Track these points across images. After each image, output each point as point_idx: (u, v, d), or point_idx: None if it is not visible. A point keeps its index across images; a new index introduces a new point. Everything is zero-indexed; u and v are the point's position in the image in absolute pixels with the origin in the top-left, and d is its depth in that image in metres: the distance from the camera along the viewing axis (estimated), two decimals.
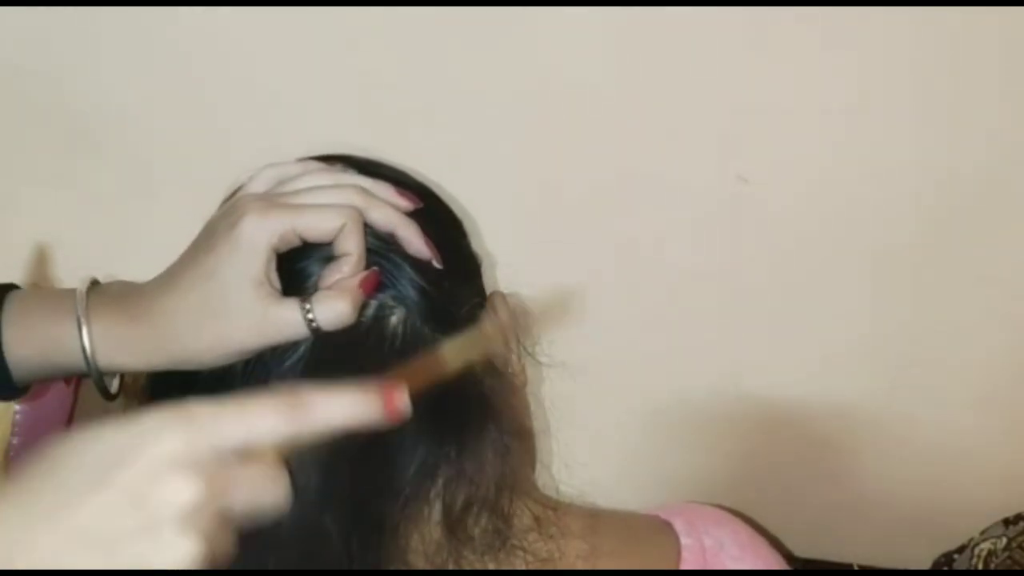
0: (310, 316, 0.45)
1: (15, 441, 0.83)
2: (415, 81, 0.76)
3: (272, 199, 0.47)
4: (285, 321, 0.45)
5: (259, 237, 0.44)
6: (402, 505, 0.48)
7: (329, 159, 0.54)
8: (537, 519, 0.51)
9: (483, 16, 0.72)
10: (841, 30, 0.71)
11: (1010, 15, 0.68)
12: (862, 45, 0.72)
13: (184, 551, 0.34)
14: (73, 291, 0.48)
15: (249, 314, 0.44)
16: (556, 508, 0.54)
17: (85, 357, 0.46)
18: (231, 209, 0.46)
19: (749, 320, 0.85)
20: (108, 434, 0.35)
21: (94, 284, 0.50)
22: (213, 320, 0.45)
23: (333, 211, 0.45)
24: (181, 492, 0.34)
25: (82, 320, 0.46)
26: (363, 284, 0.46)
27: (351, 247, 0.46)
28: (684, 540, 0.55)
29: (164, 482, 0.34)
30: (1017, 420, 0.87)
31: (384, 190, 0.49)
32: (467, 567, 0.49)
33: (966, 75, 0.72)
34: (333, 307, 0.45)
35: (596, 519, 0.56)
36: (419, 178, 0.58)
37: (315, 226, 0.45)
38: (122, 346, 0.47)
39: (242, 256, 0.44)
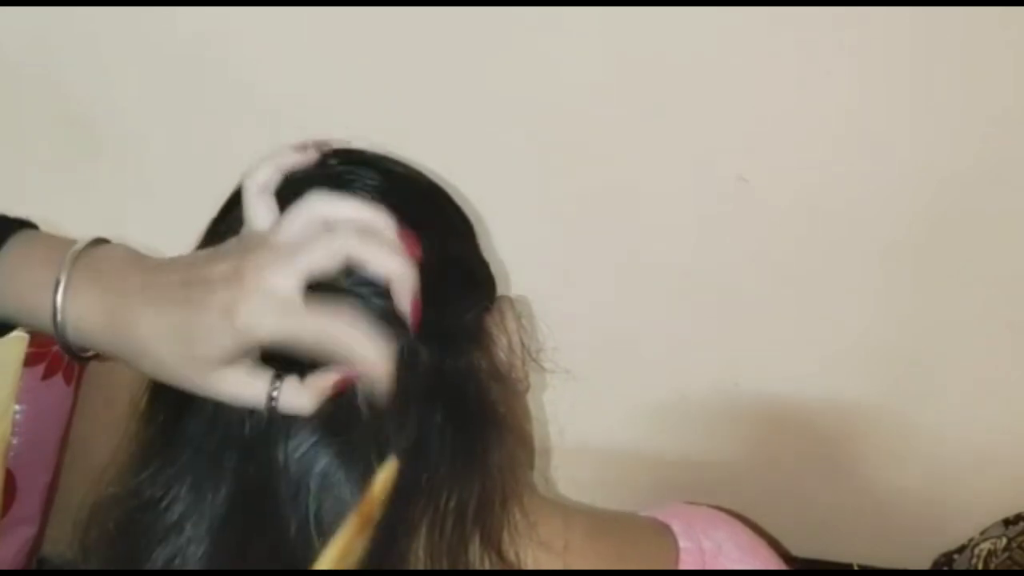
0: (273, 395, 0.44)
1: (15, 441, 0.83)
2: (422, 84, 0.76)
3: (273, 271, 0.43)
4: (249, 391, 0.44)
5: (257, 332, 0.42)
6: (410, 508, 0.48)
7: (343, 153, 0.53)
8: (533, 522, 0.51)
9: (488, 17, 0.72)
10: (841, 31, 0.71)
11: (1010, 15, 0.68)
12: (863, 45, 0.71)
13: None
14: (72, 250, 0.46)
15: (218, 373, 0.43)
16: (552, 511, 0.54)
17: (55, 326, 0.45)
18: (235, 275, 0.42)
19: (749, 320, 0.85)
20: None
21: (96, 244, 0.48)
22: (182, 361, 0.44)
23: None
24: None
25: (59, 292, 0.45)
26: (336, 386, 0.45)
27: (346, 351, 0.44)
28: (683, 543, 0.55)
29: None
30: (1017, 420, 0.87)
31: (385, 228, 0.45)
32: (464, 567, 0.49)
33: (966, 75, 0.72)
34: (298, 400, 0.44)
35: (593, 522, 0.55)
36: (431, 176, 0.57)
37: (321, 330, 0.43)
38: (95, 333, 0.46)
39: (233, 336, 0.42)
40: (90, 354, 0.48)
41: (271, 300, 0.41)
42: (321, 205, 0.44)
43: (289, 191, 0.50)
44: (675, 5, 0.70)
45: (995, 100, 0.72)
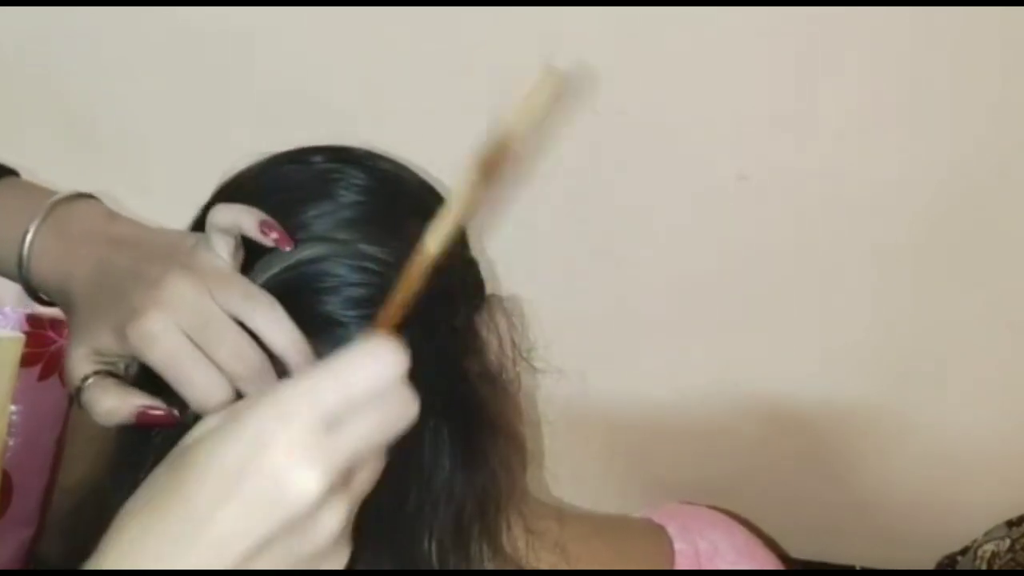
0: (83, 385, 0.46)
1: (12, 441, 0.83)
2: (416, 81, 0.76)
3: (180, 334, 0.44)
4: (76, 369, 0.46)
5: (132, 346, 0.44)
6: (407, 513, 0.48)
7: (329, 151, 0.53)
8: (528, 525, 0.51)
9: (484, 15, 0.72)
10: (841, 31, 0.71)
11: (1010, 15, 0.68)
12: (862, 45, 0.71)
13: (329, 531, 0.34)
14: (51, 200, 0.50)
15: (83, 349, 0.47)
16: (547, 513, 0.53)
17: (19, 266, 0.49)
18: (154, 288, 0.44)
19: (749, 320, 0.85)
20: (220, 448, 0.34)
21: (76, 198, 0.51)
22: (85, 323, 0.47)
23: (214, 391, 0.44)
24: (310, 482, 0.33)
25: (28, 235, 0.48)
26: (137, 414, 0.45)
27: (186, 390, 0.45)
28: (678, 544, 0.55)
29: (291, 481, 0.33)
30: (1020, 420, 0.86)
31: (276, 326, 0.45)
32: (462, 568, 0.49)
33: (966, 74, 0.72)
34: (97, 399, 0.46)
35: (587, 523, 0.55)
36: (420, 172, 0.57)
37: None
38: (45, 277, 0.49)
39: (116, 341, 0.45)
40: (46, 299, 0.51)
41: (152, 327, 0.43)
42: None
43: (277, 190, 0.50)
44: (674, 5, 0.70)
45: (994, 100, 0.72)
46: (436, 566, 0.48)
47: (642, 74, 0.74)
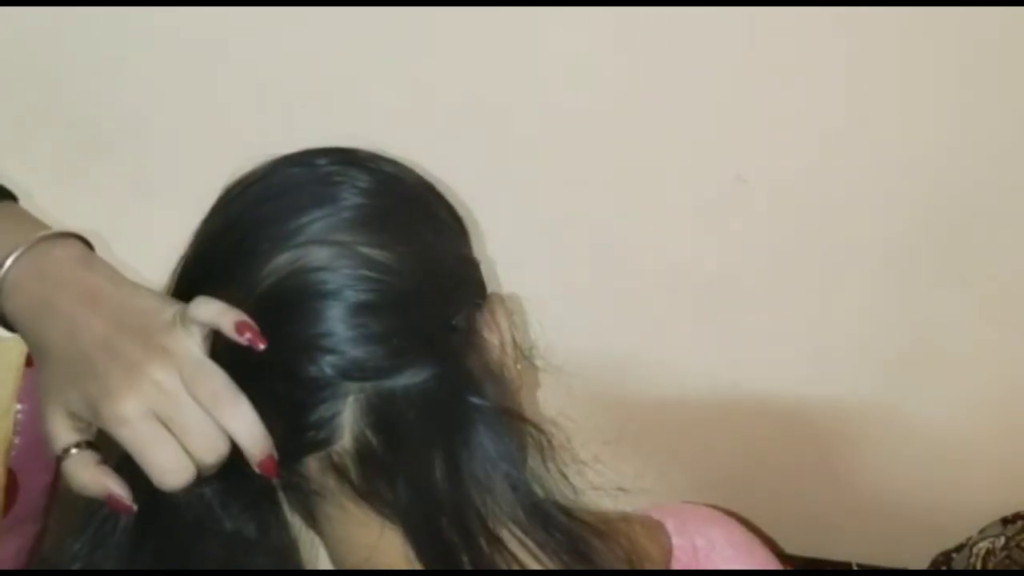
0: (68, 453, 0.48)
1: (17, 440, 0.84)
2: (419, 82, 0.76)
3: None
4: (61, 439, 0.48)
5: (101, 424, 0.47)
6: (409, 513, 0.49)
7: (334, 153, 0.53)
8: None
9: (486, 16, 0.72)
10: (839, 31, 0.71)
11: (1006, 15, 0.68)
12: (860, 45, 0.72)
13: None
14: (37, 235, 0.50)
15: (60, 412, 0.49)
16: (544, 507, 0.54)
17: None
18: (130, 371, 0.47)
19: (748, 320, 0.85)
20: None
21: (60, 237, 0.51)
22: (51, 388, 0.49)
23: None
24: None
25: (4, 267, 0.49)
26: (107, 496, 0.48)
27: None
28: (676, 540, 0.55)
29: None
30: (1015, 419, 0.87)
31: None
32: (463, 567, 0.49)
33: (963, 75, 0.72)
34: (77, 472, 0.48)
35: (586, 519, 0.55)
36: (421, 172, 0.57)
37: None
38: (16, 318, 0.50)
39: (89, 414, 0.47)
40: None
41: (126, 411, 0.46)
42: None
43: (282, 193, 0.50)
44: (673, 5, 0.71)
45: (989, 101, 0.72)
46: (437, 564, 0.48)
47: (642, 74, 0.74)
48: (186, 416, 0.46)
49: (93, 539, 0.51)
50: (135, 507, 0.48)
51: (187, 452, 0.47)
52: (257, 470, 0.48)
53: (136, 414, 0.46)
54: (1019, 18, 0.69)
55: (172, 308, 0.49)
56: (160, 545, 0.51)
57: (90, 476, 0.48)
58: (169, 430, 0.47)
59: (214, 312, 0.47)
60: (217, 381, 0.47)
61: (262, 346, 0.47)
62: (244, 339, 0.47)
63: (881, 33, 0.71)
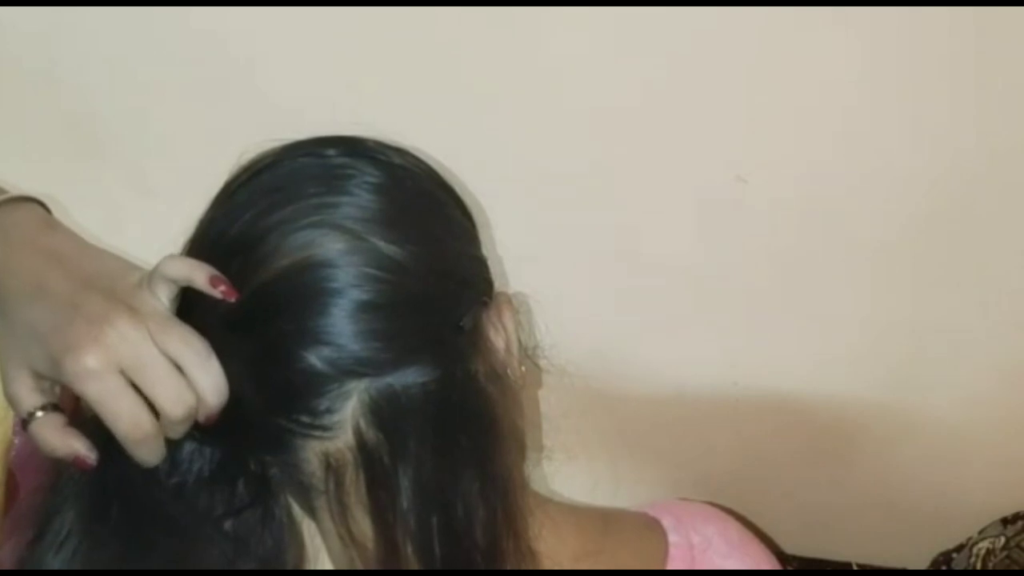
0: (34, 415, 0.48)
1: (17, 440, 0.84)
2: (428, 78, 0.76)
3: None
4: (26, 401, 0.48)
5: (68, 382, 0.47)
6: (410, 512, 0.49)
7: (343, 144, 0.53)
8: (526, 519, 0.51)
9: (492, 14, 0.72)
10: (838, 30, 0.71)
11: (1008, 14, 0.69)
12: (858, 45, 0.72)
13: None
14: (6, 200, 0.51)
15: (23, 372, 0.49)
16: (544, 506, 0.54)
17: None
18: (93, 325, 0.47)
19: (748, 319, 0.85)
20: None
21: (20, 201, 0.52)
22: (15, 342, 0.49)
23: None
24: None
25: None
26: (74, 457, 0.48)
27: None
28: (672, 537, 0.55)
29: None
30: (1015, 419, 0.87)
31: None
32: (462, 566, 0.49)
33: (964, 75, 0.72)
34: (44, 435, 0.48)
35: (583, 517, 0.55)
36: (430, 161, 0.57)
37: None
38: None
39: (52, 370, 0.47)
40: None
41: (90, 364, 0.46)
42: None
43: (292, 183, 0.50)
44: (672, 5, 0.71)
45: (990, 100, 0.72)
46: (436, 563, 0.48)
47: (641, 74, 0.75)
48: (152, 367, 0.46)
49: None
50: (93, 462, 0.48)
51: (155, 406, 0.47)
52: (202, 419, 0.48)
53: (101, 367, 0.45)
54: (1019, 18, 0.69)
55: (138, 271, 0.49)
56: (158, 538, 0.51)
57: (59, 438, 0.48)
58: (136, 386, 0.46)
59: (186, 268, 0.47)
60: (184, 333, 0.47)
61: (234, 298, 0.47)
62: (218, 292, 0.47)
63: (882, 33, 0.71)
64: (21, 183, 0.84)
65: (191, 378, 0.47)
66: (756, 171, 0.78)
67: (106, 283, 0.48)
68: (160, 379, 0.46)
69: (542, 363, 0.59)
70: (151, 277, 0.48)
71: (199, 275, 0.47)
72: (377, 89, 0.77)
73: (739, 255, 0.82)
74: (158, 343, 0.46)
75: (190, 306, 0.49)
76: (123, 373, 0.46)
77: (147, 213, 0.84)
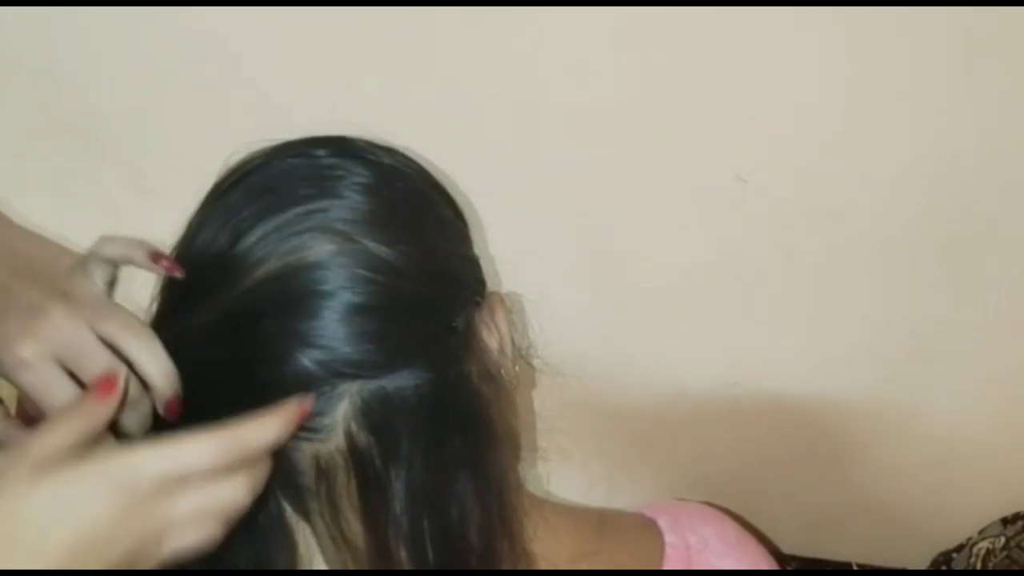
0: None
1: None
2: (420, 77, 0.76)
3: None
4: None
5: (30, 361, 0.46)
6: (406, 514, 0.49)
7: (332, 144, 0.53)
8: (522, 520, 0.51)
9: (487, 14, 0.72)
10: (836, 30, 0.71)
11: (1006, 14, 0.68)
12: (859, 45, 0.72)
13: None
14: None
15: None
16: (539, 507, 0.54)
17: None
18: (28, 315, 0.46)
19: (747, 319, 0.85)
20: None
21: None
22: None
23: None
24: None
25: None
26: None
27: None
28: (668, 538, 0.55)
29: None
30: (1015, 419, 0.87)
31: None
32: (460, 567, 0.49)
33: (963, 75, 0.72)
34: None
35: (579, 517, 0.55)
36: (424, 164, 0.57)
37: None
38: None
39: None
40: None
41: (25, 355, 0.45)
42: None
43: (282, 184, 0.50)
44: (672, 5, 0.71)
45: (988, 99, 0.72)
46: (434, 564, 0.48)
47: (641, 74, 0.75)
48: (90, 355, 0.45)
49: None
50: None
51: None
52: (162, 411, 0.47)
53: (36, 357, 0.45)
54: (1019, 18, 0.69)
55: (72, 256, 0.48)
56: None
57: (2, 429, 0.48)
58: (74, 377, 0.45)
59: (122, 247, 0.47)
60: (122, 316, 0.46)
61: (178, 274, 0.46)
62: (161, 267, 0.47)
63: (881, 33, 0.70)
64: (21, 183, 0.85)
65: (135, 363, 0.46)
66: (756, 171, 0.77)
67: (40, 269, 0.47)
68: (98, 365, 0.45)
69: (536, 363, 0.59)
70: (87, 260, 0.47)
71: (137, 253, 0.47)
72: (377, 89, 0.77)
73: (738, 254, 0.82)
74: (96, 329, 0.45)
75: (177, 308, 0.48)
76: (61, 363, 0.45)
77: (147, 213, 0.84)
